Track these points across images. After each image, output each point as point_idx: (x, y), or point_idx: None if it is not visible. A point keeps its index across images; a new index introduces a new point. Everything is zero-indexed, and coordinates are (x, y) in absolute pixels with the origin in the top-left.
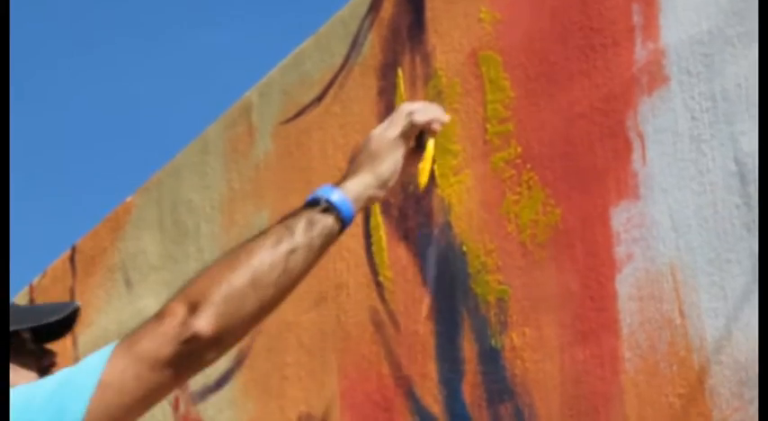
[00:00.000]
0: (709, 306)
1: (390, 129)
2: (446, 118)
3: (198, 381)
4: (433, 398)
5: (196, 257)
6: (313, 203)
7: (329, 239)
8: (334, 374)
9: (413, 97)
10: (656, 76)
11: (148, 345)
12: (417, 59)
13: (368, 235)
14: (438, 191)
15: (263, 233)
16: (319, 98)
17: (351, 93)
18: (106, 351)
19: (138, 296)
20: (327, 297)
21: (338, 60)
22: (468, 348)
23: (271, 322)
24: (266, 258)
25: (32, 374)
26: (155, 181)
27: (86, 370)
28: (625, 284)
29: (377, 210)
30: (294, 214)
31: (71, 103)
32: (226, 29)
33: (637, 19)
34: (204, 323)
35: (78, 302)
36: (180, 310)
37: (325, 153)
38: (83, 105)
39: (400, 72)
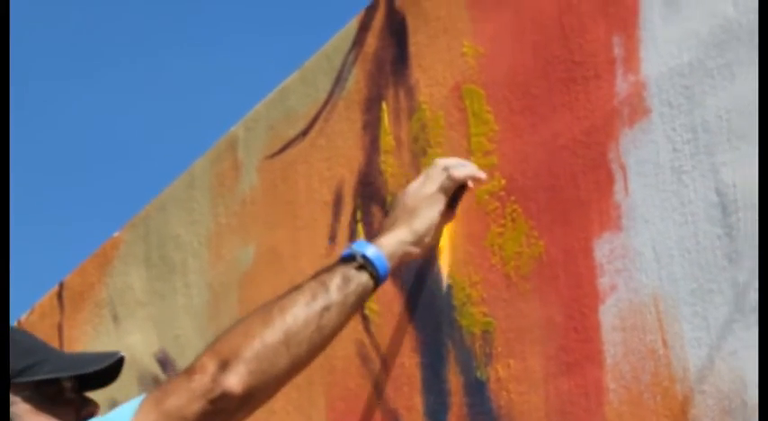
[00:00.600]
0: (692, 336)
1: (428, 185)
2: (482, 175)
3: None
4: None
5: (183, 292)
6: (348, 259)
7: (364, 296)
8: (321, 408)
9: (397, 131)
10: (637, 108)
11: (176, 402)
12: (401, 93)
13: None
14: None
15: (297, 288)
16: (304, 132)
17: (336, 126)
18: (134, 403)
19: (125, 332)
20: None
21: (323, 95)
22: (454, 380)
23: None
24: (300, 315)
25: None
26: (142, 216)
27: None
28: (608, 315)
29: None
30: (329, 269)
31: (55, 138)
32: (211, 64)
33: (617, 51)
34: (235, 381)
35: (122, 353)
36: (210, 366)
37: (311, 186)
38: (68, 140)
39: (384, 106)
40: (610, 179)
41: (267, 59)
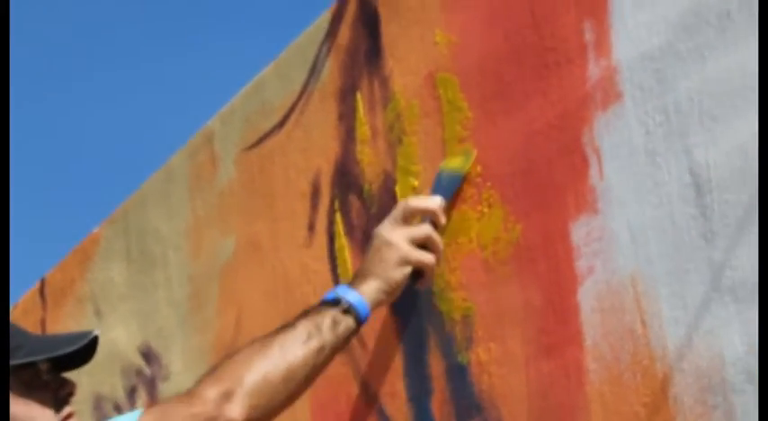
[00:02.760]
0: (670, 315)
1: (394, 230)
2: (437, 206)
3: None
4: (402, 417)
5: (165, 286)
6: (333, 302)
7: (349, 338)
8: (305, 397)
9: (372, 120)
10: (609, 92)
11: None
12: (375, 83)
13: (333, 257)
14: None
15: (292, 327)
16: (280, 124)
17: (311, 118)
18: (130, 419)
19: (108, 326)
20: None
21: (297, 87)
22: (436, 365)
23: (241, 345)
24: (299, 354)
25: (48, 410)
26: (121, 212)
27: None
28: (587, 297)
29: (341, 231)
30: (317, 311)
31: (31, 135)
32: (187, 59)
33: (589, 36)
34: (238, 412)
35: (97, 331)
36: (212, 394)
37: (288, 178)
38: (44, 137)
39: (359, 96)
40: (584, 163)
41: (242, 53)
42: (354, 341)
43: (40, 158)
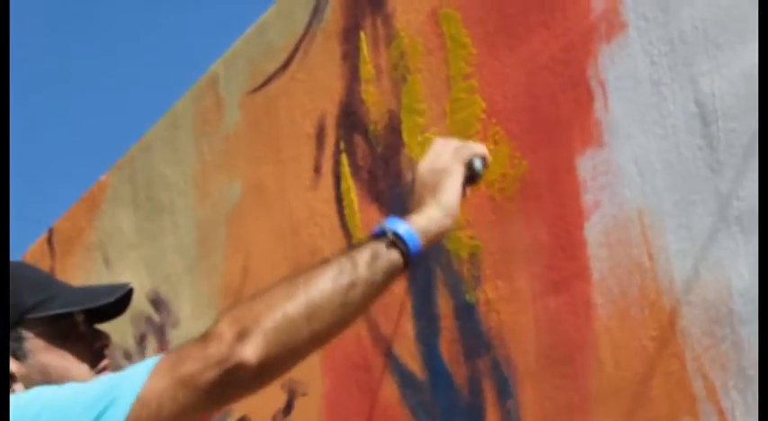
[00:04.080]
0: (677, 247)
1: (442, 157)
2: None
3: None
4: (411, 357)
5: (172, 232)
6: (379, 235)
7: (393, 275)
8: None
9: (376, 59)
10: (613, 23)
11: (190, 369)
12: (378, 22)
13: (339, 198)
14: (406, 150)
15: (325, 261)
16: (284, 66)
17: (315, 58)
18: (149, 364)
19: (117, 274)
20: (303, 263)
21: (301, 27)
22: (444, 304)
23: (249, 290)
24: (326, 290)
25: (83, 364)
26: (127, 159)
27: (127, 382)
28: (594, 231)
29: (347, 172)
30: (359, 245)
31: (38, 85)
32: (190, 3)
33: None
34: (251, 351)
35: (131, 284)
36: (228, 334)
37: (294, 120)
38: (51, 86)
39: (362, 35)
40: (590, 96)
41: None
42: None
43: (46, 107)
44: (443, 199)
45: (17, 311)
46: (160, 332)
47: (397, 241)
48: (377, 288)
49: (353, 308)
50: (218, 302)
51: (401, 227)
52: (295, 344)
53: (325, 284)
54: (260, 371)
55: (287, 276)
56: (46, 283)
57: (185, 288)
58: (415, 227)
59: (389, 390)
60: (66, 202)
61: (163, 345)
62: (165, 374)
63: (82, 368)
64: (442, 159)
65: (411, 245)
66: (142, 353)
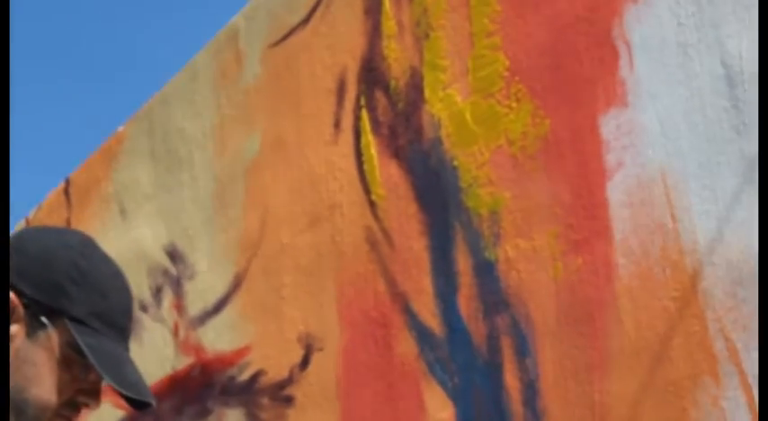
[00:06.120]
0: (701, 208)
1: None
2: None
3: (197, 306)
4: (429, 313)
5: (190, 185)
6: None
7: None
8: (331, 294)
9: (398, 15)
10: None
11: None
12: None
13: (359, 154)
14: (427, 107)
15: None
16: (306, 20)
17: (337, 13)
18: None
19: (133, 225)
20: (321, 218)
21: None
22: (463, 262)
23: (266, 244)
24: None
25: (54, 392)
26: (145, 110)
27: None
28: (616, 191)
29: (367, 128)
30: None
31: (59, 37)
32: None
33: None
34: None
35: (154, 402)
36: None
37: (314, 74)
38: (70, 38)
39: None
40: (614, 56)
41: None
42: (381, 238)
43: (65, 58)
44: None
45: (58, 296)
46: (176, 284)
47: None
48: None
49: None
50: (235, 256)
51: None
52: None
53: None
54: None
55: None
56: (102, 291)
57: (202, 241)
58: None
59: (407, 346)
60: (82, 153)
61: (179, 298)
62: None
63: (49, 391)
64: None
65: None
66: (158, 305)
